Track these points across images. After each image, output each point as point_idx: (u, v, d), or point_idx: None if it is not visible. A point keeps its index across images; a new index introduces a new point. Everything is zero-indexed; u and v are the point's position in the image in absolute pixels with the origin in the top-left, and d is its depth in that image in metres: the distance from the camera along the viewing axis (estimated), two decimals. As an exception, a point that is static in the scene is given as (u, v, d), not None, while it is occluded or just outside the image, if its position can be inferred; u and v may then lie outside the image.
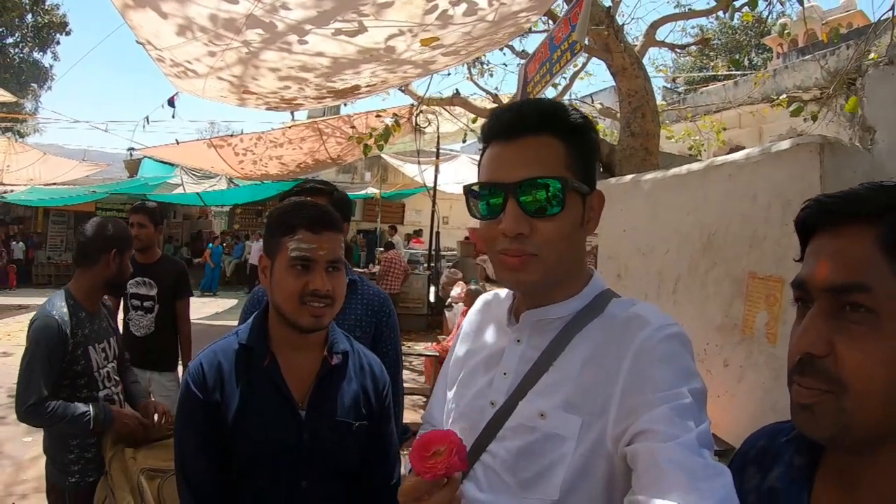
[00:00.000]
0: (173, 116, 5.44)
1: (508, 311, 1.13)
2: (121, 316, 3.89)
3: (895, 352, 0.69)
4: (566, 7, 4.33)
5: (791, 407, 0.78)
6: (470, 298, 6.79)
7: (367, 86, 4.70)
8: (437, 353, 6.27)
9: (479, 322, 1.23)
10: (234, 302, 15.38)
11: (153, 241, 3.91)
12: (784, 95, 7.63)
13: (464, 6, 3.21)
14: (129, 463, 2.18)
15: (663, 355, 0.92)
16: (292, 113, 8.15)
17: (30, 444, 5.07)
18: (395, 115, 8.30)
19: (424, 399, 5.78)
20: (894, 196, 0.73)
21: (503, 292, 1.23)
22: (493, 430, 1.02)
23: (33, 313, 2.51)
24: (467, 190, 1.06)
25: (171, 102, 5.18)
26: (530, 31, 6.06)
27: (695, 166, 2.70)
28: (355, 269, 2.11)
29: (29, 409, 2.32)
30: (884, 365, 0.70)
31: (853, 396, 0.71)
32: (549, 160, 0.99)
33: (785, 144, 2.16)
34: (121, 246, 2.63)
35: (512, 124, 1.01)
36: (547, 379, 1.00)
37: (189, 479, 1.44)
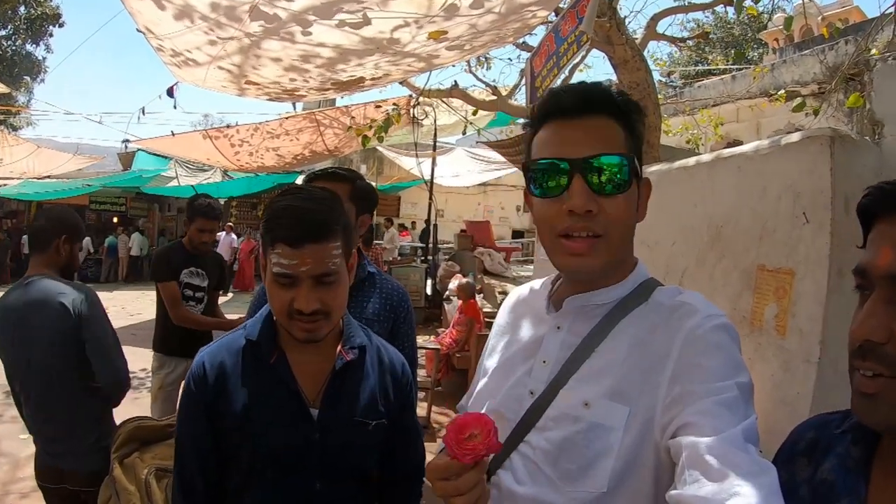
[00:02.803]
0: (175, 107, 5.39)
1: (547, 300, 1.11)
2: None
3: None
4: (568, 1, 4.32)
5: (852, 395, 0.78)
6: (463, 291, 6.77)
7: (371, 78, 4.67)
8: (438, 347, 6.26)
9: (514, 315, 1.21)
10: (228, 296, 15.35)
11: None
12: (782, 90, 7.64)
13: (471, -2, 3.18)
14: (136, 462, 2.12)
15: (712, 345, 0.90)
16: (294, 104, 8.08)
17: (27, 442, 5.00)
18: (395, 104, 8.25)
19: (423, 392, 5.77)
20: None
21: (537, 284, 1.21)
22: (533, 420, 1.00)
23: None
24: (527, 166, 1.04)
25: (170, 93, 5.12)
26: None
27: (702, 158, 2.69)
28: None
29: (128, 380, 2.43)
30: None
31: None
32: (614, 140, 0.99)
33: (795, 137, 2.16)
34: (71, 233, 2.60)
35: (576, 104, 1.00)
36: (589, 366, 0.98)
37: (182, 480, 1.39)
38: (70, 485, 2.45)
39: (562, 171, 0.97)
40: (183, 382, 3.40)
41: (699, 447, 0.78)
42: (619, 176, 0.97)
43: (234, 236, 17.06)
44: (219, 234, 16.89)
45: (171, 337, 3.81)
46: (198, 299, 3.85)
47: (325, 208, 1.31)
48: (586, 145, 0.97)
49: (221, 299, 14.75)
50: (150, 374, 4.39)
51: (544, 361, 1.04)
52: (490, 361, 1.19)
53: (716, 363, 0.88)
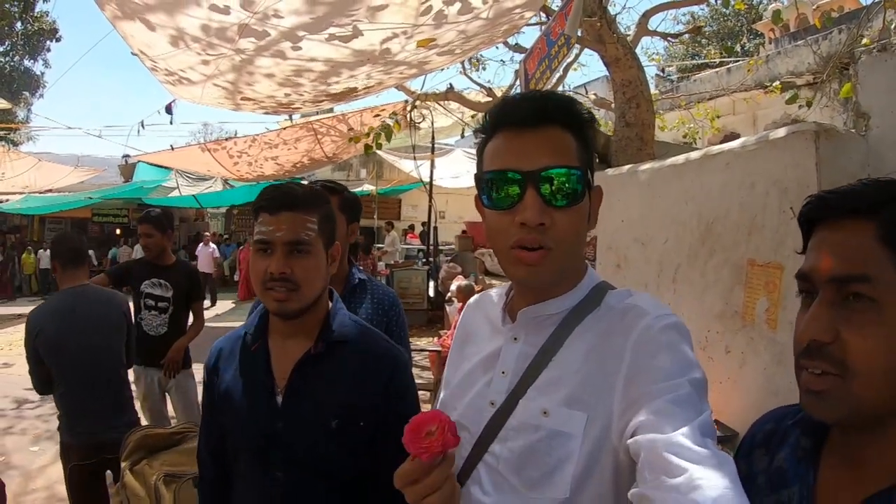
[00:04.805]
0: (171, 123, 5.43)
1: (502, 311, 1.11)
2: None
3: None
4: (560, 1, 4.36)
5: (800, 392, 0.82)
6: (462, 294, 6.79)
7: (364, 88, 4.71)
8: (440, 348, 6.29)
9: (472, 325, 1.21)
10: (230, 305, 15.37)
11: (162, 246, 3.99)
12: (777, 82, 7.64)
13: (458, 5, 3.22)
14: (145, 469, 2.18)
15: (662, 345, 0.91)
16: (290, 115, 8.14)
17: (38, 454, 5.09)
18: (394, 114, 8.30)
19: (428, 393, 5.82)
20: (889, 191, 0.77)
21: (493, 292, 1.21)
22: (494, 431, 1.01)
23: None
24: (479, 177, 1.03)
25: (168, 109, 5.17)
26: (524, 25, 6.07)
27: (691, 155, 2.72)
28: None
29: None
30: (887, 349, 0.74)
31: (859, 379, 0.75)
32: (568, 151, 0.97)
33: (780, 132, 2.19)
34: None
35: (531, 113, 0.98)
36: (547, 375, 0.99)
37: (199, 459, 1.55)
38: (108, 454, 2.82)
39: (515, 182, 0.96)
40: (158, 391, 3.81)
41: (657, 445, 0.80)
42: (572, 188, 0.95)
43: (213, 246, 16.32)
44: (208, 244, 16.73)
45: (138, 347, 3.79)
46: (161, 309, 3.95)
47: (305, 190, 1.43)
48: (540, 157, 0.95)
49: (222, 308, 14.89)
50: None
51: (503, 372, 1.04)
52: (451, 374, 1.19)
53: (667, 363, 0.89)
